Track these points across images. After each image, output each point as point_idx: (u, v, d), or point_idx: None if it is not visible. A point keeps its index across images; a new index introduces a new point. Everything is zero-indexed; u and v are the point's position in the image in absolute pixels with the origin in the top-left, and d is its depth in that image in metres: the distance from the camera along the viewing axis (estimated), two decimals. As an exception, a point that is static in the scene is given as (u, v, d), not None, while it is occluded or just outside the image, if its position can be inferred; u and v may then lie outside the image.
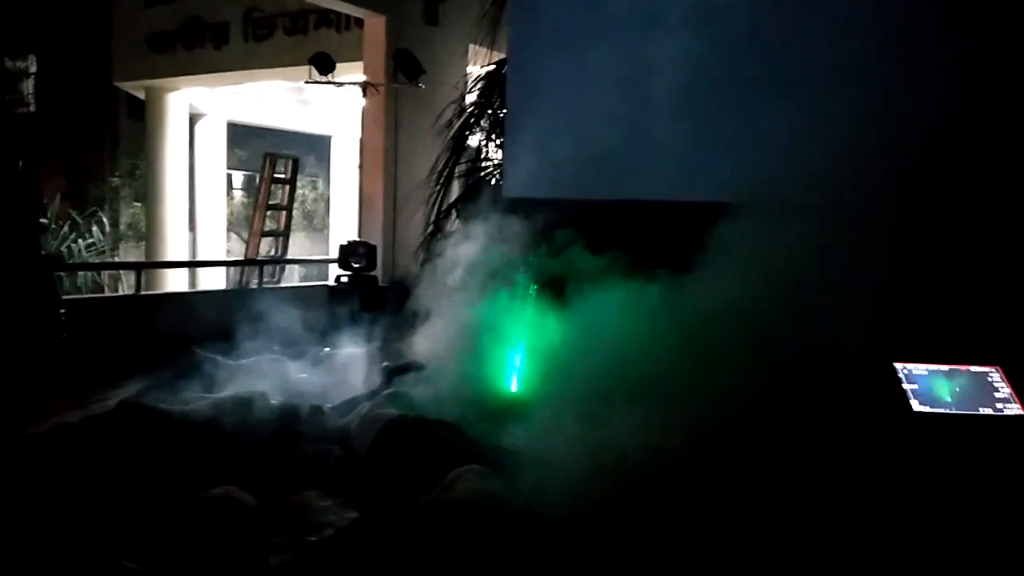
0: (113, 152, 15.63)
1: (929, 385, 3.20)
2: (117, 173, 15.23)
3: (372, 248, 8.07)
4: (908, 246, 3.30)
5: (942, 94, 3.59)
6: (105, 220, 14.42)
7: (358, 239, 8.40)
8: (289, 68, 10.27)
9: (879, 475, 2.80)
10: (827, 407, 2.98)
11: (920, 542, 2.60)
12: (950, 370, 3.24)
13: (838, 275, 3.25)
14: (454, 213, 7.72)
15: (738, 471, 2.85)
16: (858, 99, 3.71)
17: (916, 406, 3.13)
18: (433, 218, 7.73)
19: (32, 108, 16.10)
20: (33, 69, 16.17)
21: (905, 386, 3.19)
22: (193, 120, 13.09)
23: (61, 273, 6.80)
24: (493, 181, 7.24)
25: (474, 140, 7.74)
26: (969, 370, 3.25)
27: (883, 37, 3.95)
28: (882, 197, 3.38)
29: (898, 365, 3.25)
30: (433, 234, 7.71)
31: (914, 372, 3.23)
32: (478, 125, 7.69)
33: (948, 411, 3.13)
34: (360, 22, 9.14)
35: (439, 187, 7.70)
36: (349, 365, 5.42)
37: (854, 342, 3.13)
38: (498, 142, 7.37)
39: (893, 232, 3.33)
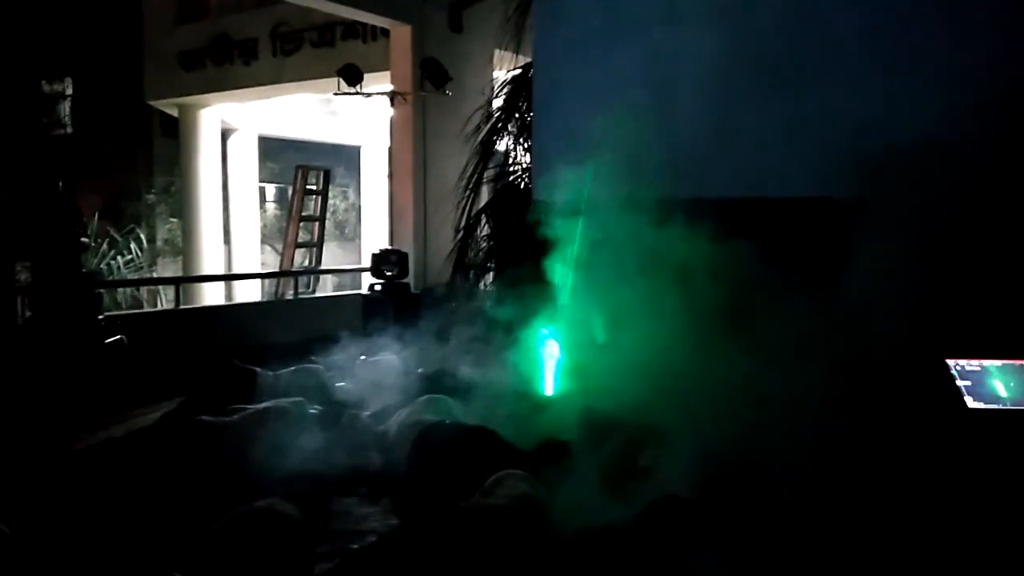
0: (148, 169, 15.93)
1: (983, 381, 3.12)
2: (153, 190, 15.53)
3: (404, 256, 8.12)
4: (959, 240, 3.24)
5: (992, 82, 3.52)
6: (143, 236, 14.71)
7: (390, 247, 8.46)
8: (318, 80, 10.39)
9: (936, 475, 2.73)
10: (881, 406, 2.93)
11: (978, 541, 2.53)
12: (1003, 365, 3.15)
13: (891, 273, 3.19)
14: (484, 218, 7.75)
15: (794, 472, 2.80)
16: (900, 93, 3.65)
17: (971, 403, 3.05)
18: (463, 224, 7.75)
19: (69, 130, 16.47)
20: (69, 91, 16.55)
21: (958, 383, 3.11)
22: (225, 135, 13.29)
23: (102, 290, 6.91)
24: (522, 185, 7.25)
25: (502, 145, 7.76)
26: (1023, 365, 3.16)
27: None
28: (931, 191, 3.32)
29: (950, 361, 3.17)
30: (464, 240, 7.74)
31: (967, 368, 3.15)
32: (505, 130, 7.70)
33: (1003, 407, 3.05)
34: (386, 32, 9.21)
35: (468, 193, 7.73)
36: (385, 372, 5.44)
37: (905, 339, 3.06)
38: (526, 146, 7.38)
39: (944, 227, 3.26)
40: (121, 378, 5.69)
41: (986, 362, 3.17)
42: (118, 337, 5.96)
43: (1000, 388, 3.10)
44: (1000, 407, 3.05)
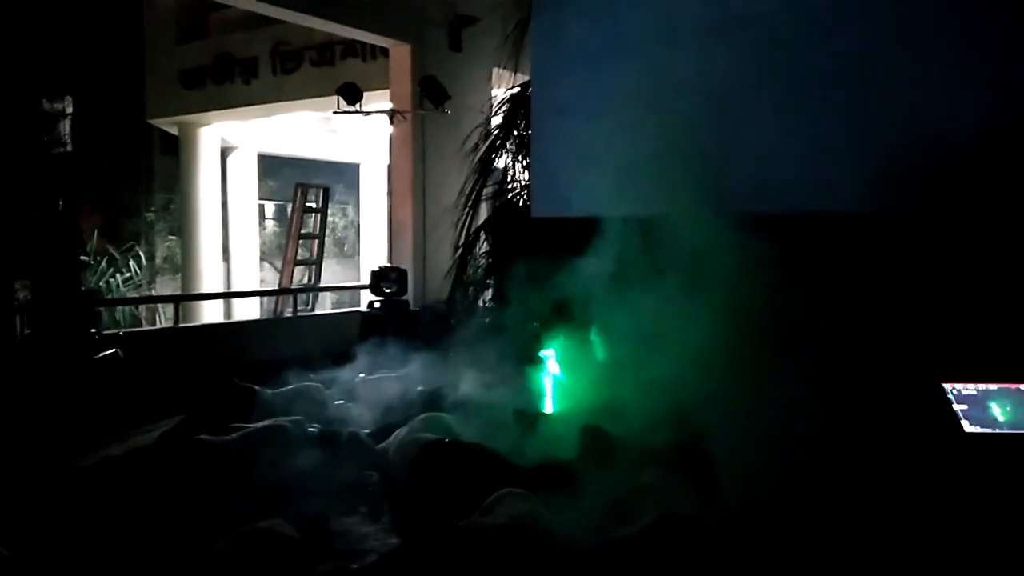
0: (148, 187, 15.97)
1: (980, 405, 3.10)
2: (152, 208, 15.56)
3: (403, 273, 8.13)
4: (954, 262, 3.23)
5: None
6: (142, 254, 14.72)
7: (389, 264, 8.47)
8: (317, 99, 10.42)
9: (932, 499, 2.71)
10: (876, 430, 2.91)
11: (975, 566, 2.52)
12: (999, 389, 3.13)
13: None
14: (483, 235, 7.76)
15: (790, 495, 2.79)
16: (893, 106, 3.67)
17: (967, 427, 3.03)
18: (462, 241, 7.77)
19: (69, 148, 16.52)
20: (69, 110, 16.61)
21: (955, 407, 3.08)
22: (225, 153, 13.33)
23: (101, 308, 6.91)
24: (521, 202, 7.27)
25: (501, 162, 7.79)
26: (1020, 388, 3.14)
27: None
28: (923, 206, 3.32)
29: (947, 385, 3.14)
30: (463, 257, 7.75)
31: (963, 392, 3.13)
32: (504, 147, 7.74)
33: (1000, 431, 3.02)
34: (385, 51, 9.27)
35: (467, 210, 7.75)
36: (384, 390, 5.44)
37: (901, 362, 3.05)
38: (524, 163, 7.41)
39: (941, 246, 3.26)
40: (118, 394, 5.67)
41: (983, 386, 3.14)
42: (112, 351, 5.94)
43: (997, 412, 3.07)
44: (997, 431, 3.02)
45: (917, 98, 3.80)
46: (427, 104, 8.29)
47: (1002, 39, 3.74)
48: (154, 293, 14.50)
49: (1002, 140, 3.38)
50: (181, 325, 8.42)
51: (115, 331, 6.59)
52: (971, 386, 3.14)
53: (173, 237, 14.77)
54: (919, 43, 3.92)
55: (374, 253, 13.16)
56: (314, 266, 12.55)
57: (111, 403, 5.54)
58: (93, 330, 5.88)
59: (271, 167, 15.71)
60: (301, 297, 11.02)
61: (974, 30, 3.81)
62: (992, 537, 2.56)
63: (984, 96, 3.63)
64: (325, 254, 13.14)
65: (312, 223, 12.43)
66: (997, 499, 2.68)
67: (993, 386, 3.13)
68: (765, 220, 3.56)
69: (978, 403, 3.10)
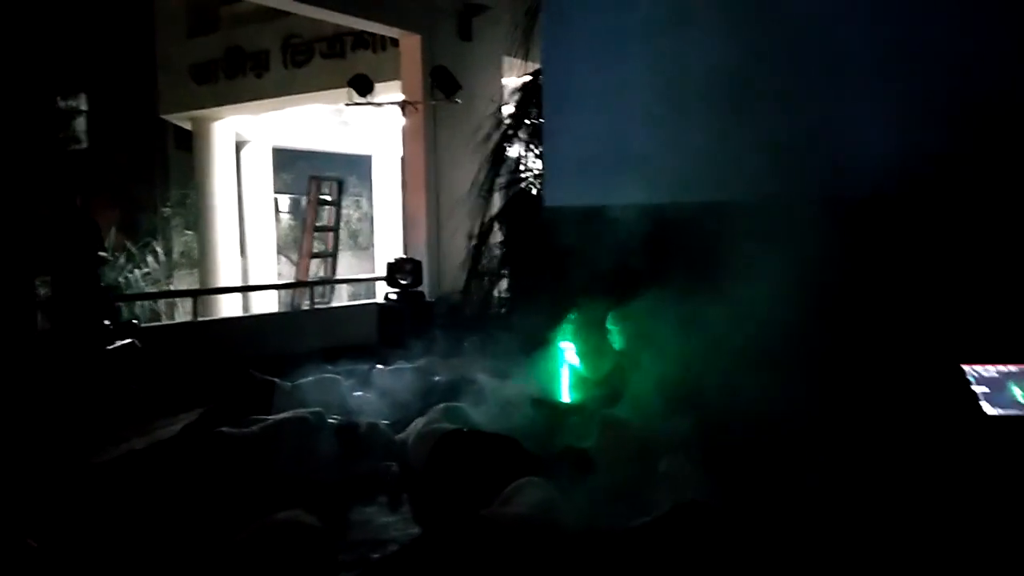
0: (164, 183, 16.07)
1: (1000, 387, 3.07)
2: (168, 203, 15.67)
3: (418, 264, 8.16)
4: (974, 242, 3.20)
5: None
6: (159, 249, 14.83)
7: (404, 256, 8.50)
8: (329, 91, 10.45)
9: (954, 482, 2.70)
10: (897, 413, 2.90)
11: (996, 547, 2.51)
12: (1020, 370, 3.09)
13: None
14: (496, 225, 7.77)
15: (809, 478, 2.79)
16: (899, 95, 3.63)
17: (988, 409, 3.01)
18: (476, 231, 7.78)
19: (85, 145, 16.64)
20: (84, 107, 16.72)
21: (975, 388, 3.06)
22: (239, 147, 13.39)
23: (120, 304, 6.98)
24: (534, 191, 7.27)
25: (513, 151, 7.79)
26: None
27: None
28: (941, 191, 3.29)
29: (967, 367, 3.12)
30: (477, 247, 7.77)
31: (984, 374, 3.10)
32: (516, 136, 7.73)
33: (1020, 413, 2.99)
34: (396, 42, 9.26)
35: (481, 200, 7.76)
36: (402, 381, 5.48)
37: (921, 344, 3.03)
38: (537, 152, 7.40)
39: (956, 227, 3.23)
40: (137, 384, 5.73)
41: (1003, 367, 3.11)
42: (129, 341, 6.00)
43: (1018, 394, 3.04)
44: (1018, 413, 2.99)
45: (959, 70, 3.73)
46: (438, 94, 8.29)
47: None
48: (172, 288, 14.61)
49: None
50: (199, 319, 8.50)
51: (131, 319, 6.58)
52: (991, 368, 3.11)
53: (190, 232, 14.87)
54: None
55: (389, 245, 13.21)
56: (330, 259, 12.62)
57: (130, 394, 5.60)
58: (107, 321, 5.91)
59: (285, 160, 15.77)
60: (317, 290, 11.09)
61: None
62: (1014, 519, 2.55)
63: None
64: (340, 246, 13.20)
65: (327, 216, 12.49)
66: (1017, 481, 2.66)
67: (1014, 367, 3.10)
68: (789, 205, 3.54)
69: (998, 385, 3.06)
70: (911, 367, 3.05)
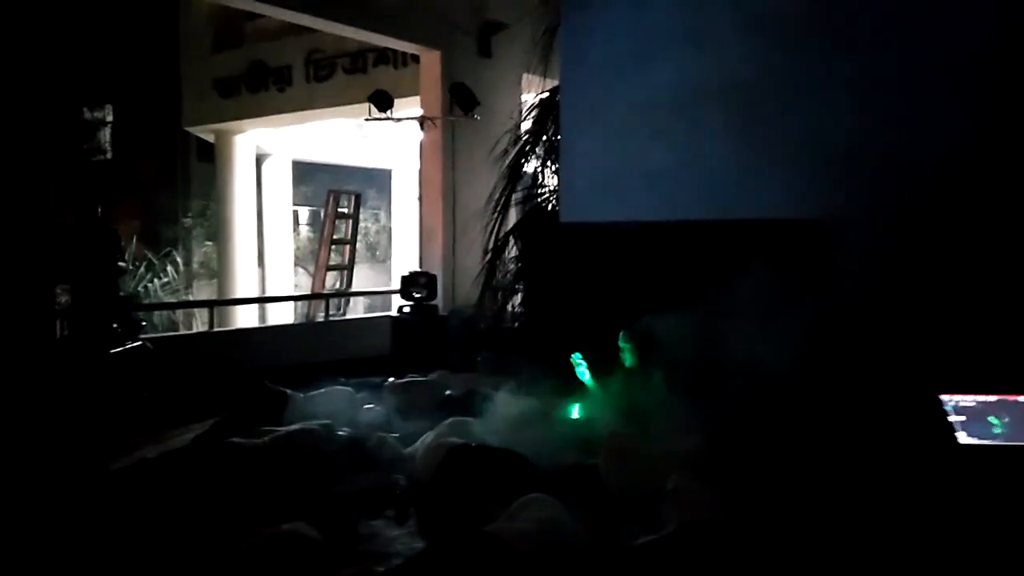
0: (185, 194, 16.27)
1: (977, 417, 3.06)
2: (189, 214, 15.85)
3: (433, 278, 8.18)
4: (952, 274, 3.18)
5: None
6: (179, 259, 14.99)
7: (419, 270, 8.53)
8: (350, 106, 10.54)
9: (928, 511, 2.68)
10: (874, 442, 2.88)
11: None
12: (998, 400, 3.08)
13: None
14: (512, 240, 7.78)
15: (786, 509, 2.76)
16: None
17: (964, 439, 3.00)
18: (492, 246, 7.80)
19: (109, 155, 16.89)
20: (109, 118, 16.99)
21: (952, 418, 3.05)
22: (260, 160, 13.52)
23: (139, 313, 7.03)
24: (550, 207, 7.28)
25: (530, 167, 7.81)
26: (1017, 400, 3.09)
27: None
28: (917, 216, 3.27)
29: (944, 397, 3.11)
30: (492, 261, 7.78)
31: (961, 404, 3.09)
32: (533, 152, 7.75)
33: (997, 443, 2.99)
34: (416, 58, 9.34)
35: (497, 215, 7.78)
36: (413, 394, 5.48)
37: (899, 374, 3.01)
38: (553, 168, 7.42)
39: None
40: (149, 390, 5.74)
41: (980, 397, 3.10)
42: (139, 344, 6.02)
43: (994, 424, 3.03)
44: (993, 443, 2.98)
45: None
46: (457, 110, 8.34)
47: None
48: (191, 298, 14.74)
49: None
50: (216, 329, 8.56)
51: (139, 320, 6.53)
52: (969, 398, 3.10)
53: (210, 243, 15.02)
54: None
55: (406, 258, 13.27)
56: (346, 271, 12.69)
57: (142, 401, 5.62)
58: (115, 325, 5.91)
59: (305, 173, 15.91)
60: (333, 301, 11.14)
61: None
62: (987, 549, 2.52)
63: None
64: (357, 259, 13.27)
65: (344, 229, 12.57)
66: (993, 511, 2.64)
67: (992, 398, 3.09)
68: (788, 225, 3.54)
69: (976, 415, 3.06)
70: (890, 397, 3.03)
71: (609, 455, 3.92)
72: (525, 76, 8.94)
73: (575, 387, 5.09)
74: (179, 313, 13.29)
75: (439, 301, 8.26)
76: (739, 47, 4.68)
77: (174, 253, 15.04)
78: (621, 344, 4.93)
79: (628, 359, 4.91)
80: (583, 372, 5.05)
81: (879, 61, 4.02)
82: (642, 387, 4.67)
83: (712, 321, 3.63)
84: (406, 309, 8.06)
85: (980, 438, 3.02)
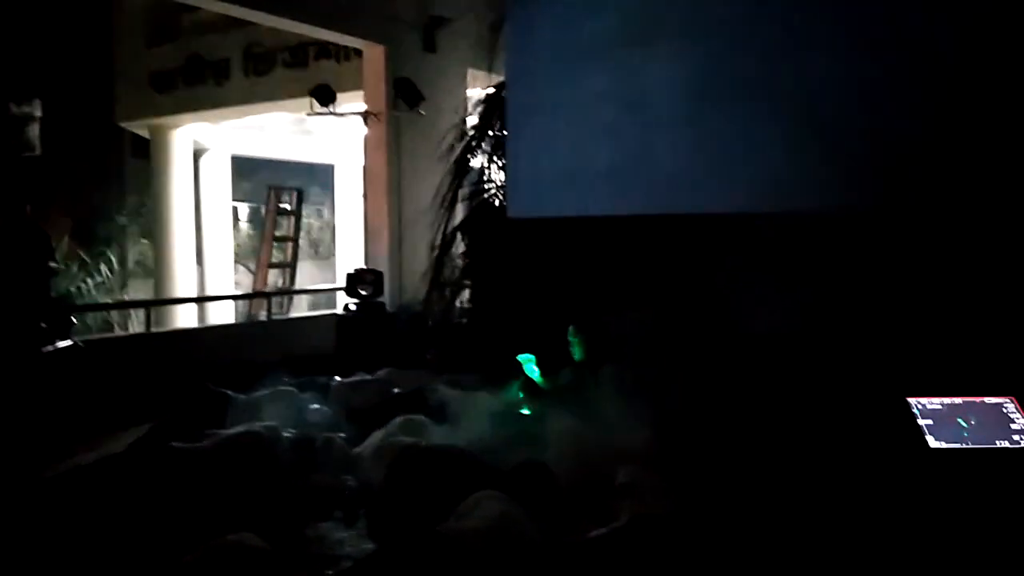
0: (119, 191, 15.75)
1: (945, 420, 3.06)
2: (124, 211, 15.35)
3: (379, 275, 8.09)
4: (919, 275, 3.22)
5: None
6: (113, 258, 14.50)
7: (365, 266, 8.42)
8: (291, 100, 10.34)
9: (899, 515, 2.71)
10: (841, 446, 2.91)
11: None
12: (964, 402, 3.10)
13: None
14: (459, 236, 7.74)
15: (751, 515, 2.79)
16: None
17: (932, 442, 3.00)
18: (439, 242, 7.74)
19: (38, 152, 16.26)
20: (38, 113, 16.34)
21: (920, 422, 3.06)
22: (197, 155, 13.19)
23: (73, 315, 6.76)
24: (497, 203, 7.26)
25: (476, 163, 7.77)
26: (984, 402, 3.11)
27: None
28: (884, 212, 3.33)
29: (912, 400, 3.12)
30: (439, 258, 7.72)
31: (928, 407, 3.10)
32: (480, 148, 7.72)
33: (965, 446, 2.99)
34: (359, 52, 9.21)
35: (443, 211, 7.72)
36: (360, 393, 5.41)
37: (866, 377, 3.04)
38: (500, 164, 7.40)
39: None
40: (82, 391, 5.53)
41: (947, 400, 3.11)
42: (70, 343, 5.80)
43: (962, 427, 3.03)
44: (961, 446, 2.98)
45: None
46: (401, 105, 8.26)
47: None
48: (126, 298, 14.29)
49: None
50: (153, 331, 8.31)
51: (68, 317, 6.23)
52: (936, 400, 3.10)
53: (145, 240, 14.58)
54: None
55: (350, 254, 13.09)
56: (289, 269, 12.48)
57: (76, 404, 5.41)
58: (43, 324, 5.67)
59: (245, 169, 15.56)
60: (276, 300, 10.93)
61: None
62: (956, 553, 2.56)
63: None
64: (301, 256, 13.06)
65: (286, 225, 12.36)
66: (962, 514, 2.67)
67: (959, 400, 3.10)
68: (744, 220, 3.57)
69: (944, 418, 3.06)
70: (857, 400, 3.06)
71: (559, 450, 3.93)
72: (471, 71, 8.90)
73: (524, 383, 5.08)
74: (114, 314, 12.87)
75: (386, 298, 8.17)
76: (683, 43, 4.73)
77: (108, 252, 14.54)
78: (570, 339, 4.95)
79: (577, 353, 4.93)
80: (532, 368, 5.06)
81: (817, 63, 4.09)
82: (591, 381, 4.69)
83: (660, 315, 3.65)
84: (352, 307, 7.95)
85: (948, 441, 3.00)
